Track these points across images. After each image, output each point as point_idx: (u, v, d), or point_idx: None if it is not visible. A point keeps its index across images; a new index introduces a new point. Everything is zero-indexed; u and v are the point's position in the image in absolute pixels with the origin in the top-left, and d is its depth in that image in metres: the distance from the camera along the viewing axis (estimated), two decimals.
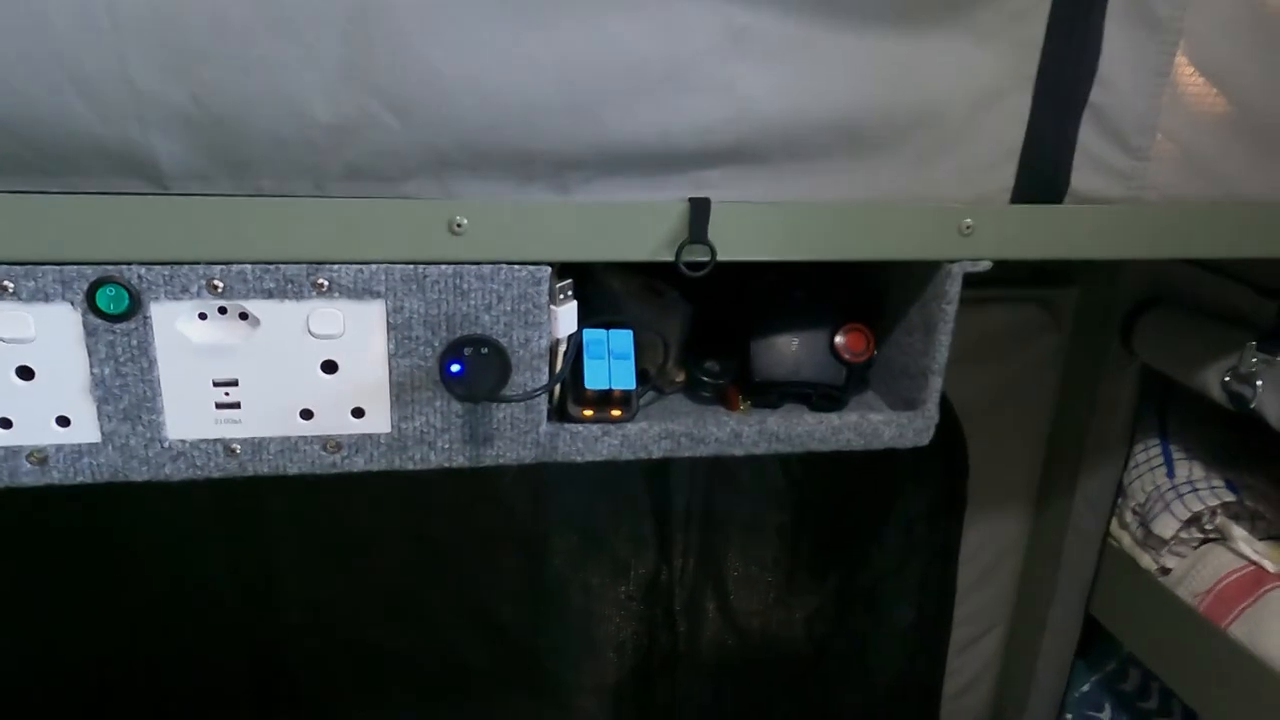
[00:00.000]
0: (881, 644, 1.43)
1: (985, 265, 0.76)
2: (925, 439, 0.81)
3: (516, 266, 0.68)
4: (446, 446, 0.72)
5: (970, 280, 0.75)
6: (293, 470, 0.70)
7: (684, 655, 1.37)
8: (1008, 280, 1.20)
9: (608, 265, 0.87)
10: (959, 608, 1.39)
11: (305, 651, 1.24)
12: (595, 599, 1.31)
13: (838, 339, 0.83)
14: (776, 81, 0.66)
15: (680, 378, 0.85)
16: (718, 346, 0.85)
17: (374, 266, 0.66)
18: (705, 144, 0.67)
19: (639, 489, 1.28)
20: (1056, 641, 1.37)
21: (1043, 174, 0.74)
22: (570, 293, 0.70)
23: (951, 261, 0.75)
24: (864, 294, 0.87)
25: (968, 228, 0.74)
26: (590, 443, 0.75)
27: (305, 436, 0.70)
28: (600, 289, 0.87)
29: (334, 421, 0.70)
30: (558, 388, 0.75)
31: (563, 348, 0.73)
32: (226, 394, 0.68)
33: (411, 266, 0.66)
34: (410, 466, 0.72)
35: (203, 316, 0.66)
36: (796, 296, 0.85)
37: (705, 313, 0.88)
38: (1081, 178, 0.75)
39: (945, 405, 1.24)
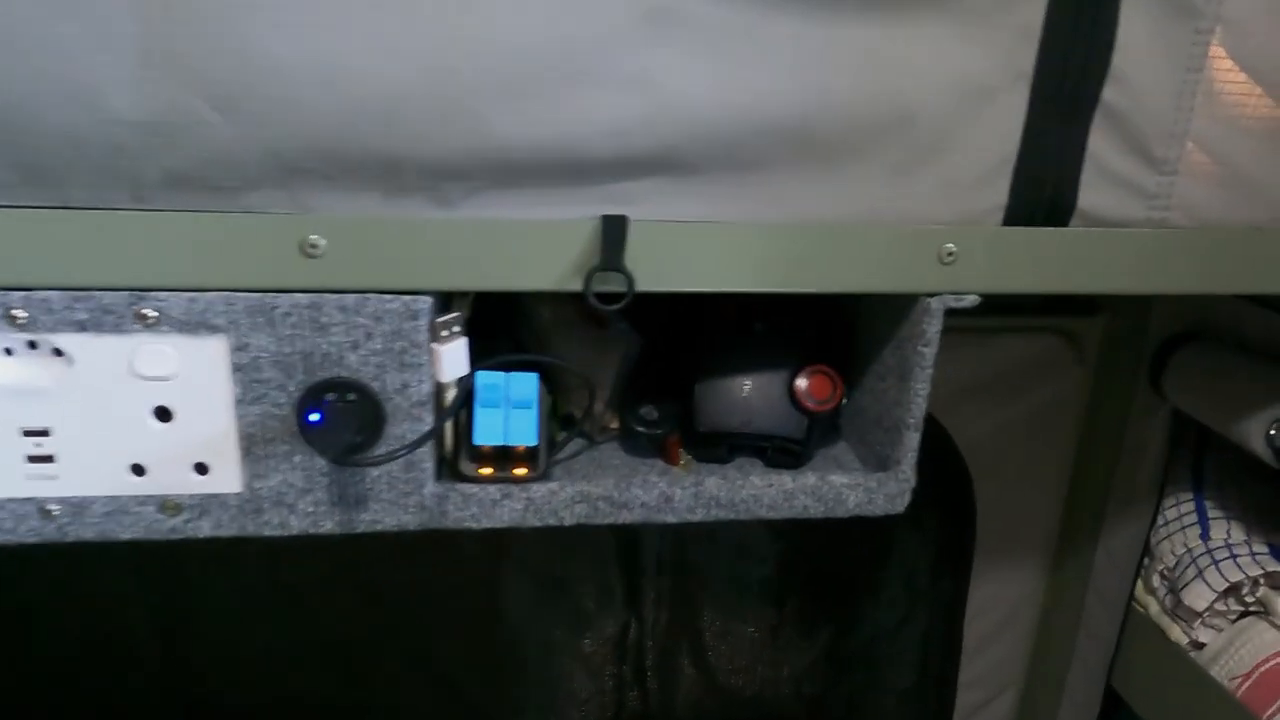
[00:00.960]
0: (880, 708, 1.30)
1: (971, 300, 0.63)
2: (899, 505, 0.68)
3: (388, 297, 0.56)
4: (310, 510, 0.60)
5: (982, 306, 0.62)
6: (124, 536, 0.59)
7: (656, 717, 1.24)
8: (1022, 307, 1.06)
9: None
10: (965, 669, 1.26)
11: (233, 711, 1.13)
12: (556, 654, 1.18)
13: (799, 383, 0.70)
14: (707, 75, 0.54)
15: (616, 423, 0.73)
16: (661, 387, 0.73)
17: (211, 295, 0.54)
18: (619, 150, 0.55)
19: (604, 530, 1.15)
20: (1074, 713, 1.22)
21: (1043, 191, 0.61)
22: (458, 328, 0.58)
23: (930, 295, 0.62)
24: (834, 329, 0.74)
25: (950, 255, 0.61)
26: (487, 507, 0.62)
27: (137, 496, 0.58)
28: (527, 318, 0.75)
29: (172, 478, 0.58)
30: (449, 440, 0.63)
31: (451, 393, 0.61)
32: (38, 445, 0.56)
33: (258, 295, 0.55)
34: (268, 533, 0.60)
35: (9, 352, 0.55)
36: (753, 331, 0.72)
37: (657, 347, 0.76)
38: (1092, 195, 0.61)
39: (950, 446, 1.12)
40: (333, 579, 1.09)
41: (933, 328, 0.62)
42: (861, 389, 0.72)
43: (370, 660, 1.13)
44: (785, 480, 0.66)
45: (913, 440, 0.65)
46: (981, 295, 0.63)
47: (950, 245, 0.61)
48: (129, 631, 1.06)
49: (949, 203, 0.60)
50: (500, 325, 0.71)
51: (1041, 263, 0.62)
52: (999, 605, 1.24)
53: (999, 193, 0.61)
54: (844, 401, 0.70)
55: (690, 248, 0.58)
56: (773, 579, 1.22)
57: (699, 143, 0.55)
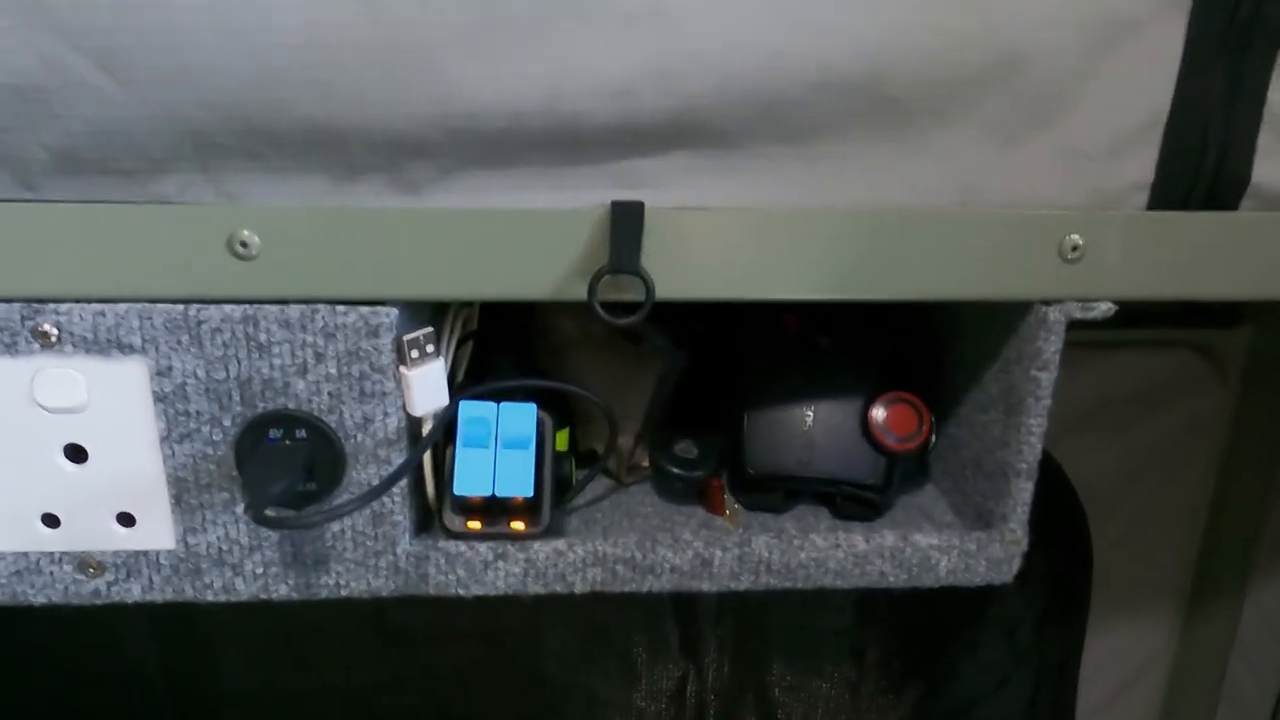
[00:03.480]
0: None
1: (1104, 309, 0.48)
2: (1005, 574, 0.53)
3: (341, 308, 0.44)
4: (259, 572, 0.49)
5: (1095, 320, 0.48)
6: (38, 600, 0.49)
7: None
8: (1150, 315, 0.90)
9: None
10: None
11: None
12: (602, 711, 1.05)
13: (875, 414, 0.55)
14: (743, 8, 0.41)
15: (647, 462, 0.60)
16: (703, 417, 0.59)
17: (122, 307, 0.43)
18: (627, 115, 0.42)
19: None
20: None
21: (1203, 161, 0.46)
22: (432, 348, 0.46)
23: (1048, 302, 0.47)
24: (918, 346, 0.60)
25: (1075, 250, 0.46)
26: (476, 570, 0.50)
27: (51, 554, 0.48)
28: (542, 332, 0.62)
29: (91, 531, 0.47)
30: (430, 490, 0.51)
31: (429, 428, 0.48)
32: None
33: (180, 308, 0.44)
34: (210, 598, 0.49)
35: None
36: (817, 348, 0.58)
37: (696, 368, 0.63)
38: (1272, 167, 0.45)
39: (1062, 481, 0.96)
40: (353, 620, 0.99)
41: (1051, 345, 0.48)
42: (955, 422, 0.58)
43: (393, 710, 1.03)
44: (856, 540, 0.51)
45: (1024, 491, 0.51)
46: (1116, 302, 0.48)
47: (1075, 237, 0.46)
48: (136, 674, 0.98)
49: (1074, 180, 0.46)
50: (508, 339, 0.58)
51: (1200, 259, 0.47)
52: (1120, 667, 1.09)
53: (1142, 165, 0.46)
54: (932, 439, 0.56)
55: (724, 243, 0.45)
56: (851, 628, 1.07)
57: (732, 103, 0.42)
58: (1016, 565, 0.52)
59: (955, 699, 1.09)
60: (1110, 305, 0.47)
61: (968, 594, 1.03)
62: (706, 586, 0.51)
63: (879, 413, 0.55)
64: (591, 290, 0.44)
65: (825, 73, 0.42)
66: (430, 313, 0.50)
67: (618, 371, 0.62)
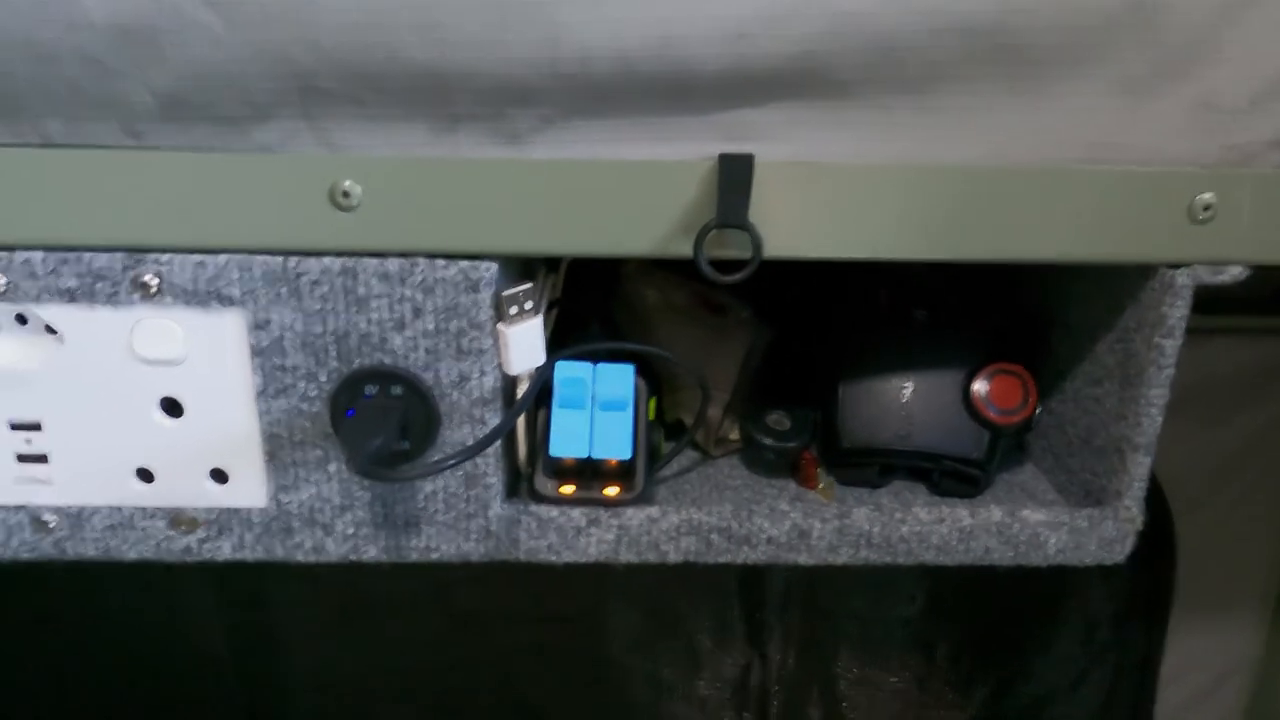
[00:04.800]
0: None
1: (1235, 273, 0.45)
2: (1118, 553, 0.50)
3: (441, 262, 0.43)
4: (350, 532, 0.48)
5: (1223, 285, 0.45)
6: (130, 555, 0.48)
7: None
8: (1243, 299, 0.86)
9: (640, 265, 0.61)
10: None
11: None
12: (666, 697, 1.04)
13: (977, 386, 0.53)
14: None
15: (736, 434, 0.58)
16: (794, 391, 0.58)
17: (222, 258, 0.43)
18: (739, 61, 0.40)
19: None
20: None
21: None
22: (532, 304, 0.45)
23: (1174, 266, 0.45)
24: (1020, 317, 0.57)
25: (1206, 209, 0.44)
26: (568, 536, 0.49)
27: (144, 509, 0.47)
28: (627, 301, 0.61)
29: (185, 487, 0.47)
30: (522, 449, 0.50)
31: (524, 388, 0.47)
32: (28, 441, 0.46)
33: (279, 259, 0.43)
34: (300, 558, 0.49)
35: None
36: (914, 319, 0.56)
37: (786, 339, 0.61)
38: None
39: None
40: (417, 601, 0.99)
41: (1177, 311, 0.45)
42: (1059, 395, 0.55)
43: (456, 692, 1.02)
44: (961, 515, 0.49)
45: (1141, 466, 0.48)
46: (1249, 266, 0.45)
47: (1207, 196, 0.44)
48: (200, 650, 0.99)
49: (1207, 136, 0.43)
50: (592, 308, 0.57)
51: None
52: (1204, 668, 1.05)
53: None
54: (1038, 412, 0.53)
55: (836, 199, 0.43)
56: (921, 620, 1.04)
57: (850, 48, 0.40)
58: (1130, 545, 0.50)
59: (1028, 696, 1.06)
60: (1241, 269, 0.45)
61: (1044, 586, 1.00)
62: (804, 559, 0.50)
63: (981, 385, 0.53)
64: (698, 245, 0.42)
65: (948, 16, 0.40)
66: (520, 275, 0.49)
67: (701, 342, 0.60)
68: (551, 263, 0.54)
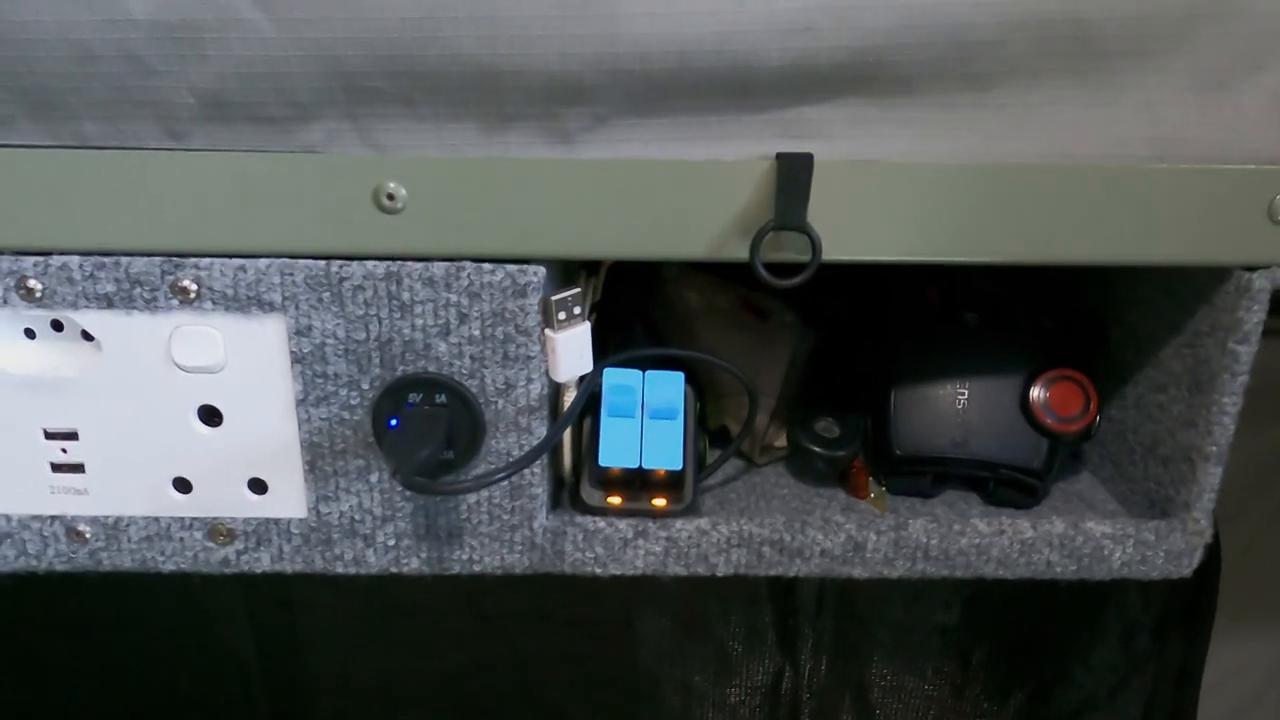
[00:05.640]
0: None
1: None
2: (1185, 567, 0.48)
3: (488, 266, 0.42)
4: (391, 544, 0.47)
5: None
6: (167, 567, 0.47)
7: None
8: None
9: (681, 268, 0.60)
10: None
11: None
12: (695, 703, 1.02)
13: (1035, 393, 0.51)
14: None
15: (782, 441, 0.57)
16: (840, 396, 0.56)
17: (263, 263, 0.42)
18: (802, 56, 0.39)
19: None
20: None
21: None
22: (580, 310, 0.43)
23: (1251, 268, 0.43)
24: (1079, 321, 0.55)
25: None
26: (615, 548, 0.47)
27: (182, 519, 0.46)
28: (668, 305, 0.59)
29: (222, 497, 0.46)
30: (567, 459, 0.48)
31: (570, 396, 0.46)
32: (64, 451, 0.45)
33: (321, 263, 0.42)
34: (340, 570, 0.47)
35: (30, 334, 0.44)
36: (967, 323, 0.54)
37: (833, 344, 0.60)
38: None
39: None
40: (443, 604, 0.98)
41: (1254, 316, 0.43)
42: (1120, 402, 0.53)
43: (481, 696, 1.01)
44: (1022, 526, 0.48)
45: (1212, 476, 0.46)
46: None
47: None
48: (227, 652, 0.98)
49: None
50: (633, 312, 0.56)
51: None
52: (1247, 676, 1.03)
53: None
54: (1098, 420, 0.51)
55: (895, 199, 0.42)
56: (957, 627, 1.02)
57: (917, 42, 0.39)
58: (1198, 558, 0.48)
59: (1065, 704, 1.03)
60: None
61: (1083, 593, 0.98)
62: (858, 572, 0.48)
63: (1040, 392, 0.51)
64: (754, 248, 0.41)
65: (1021, 7, 0.38)
66: (564, 279, 0.48)
67: (745, 346, 0.59)
68: (591, 265, 0.53)
